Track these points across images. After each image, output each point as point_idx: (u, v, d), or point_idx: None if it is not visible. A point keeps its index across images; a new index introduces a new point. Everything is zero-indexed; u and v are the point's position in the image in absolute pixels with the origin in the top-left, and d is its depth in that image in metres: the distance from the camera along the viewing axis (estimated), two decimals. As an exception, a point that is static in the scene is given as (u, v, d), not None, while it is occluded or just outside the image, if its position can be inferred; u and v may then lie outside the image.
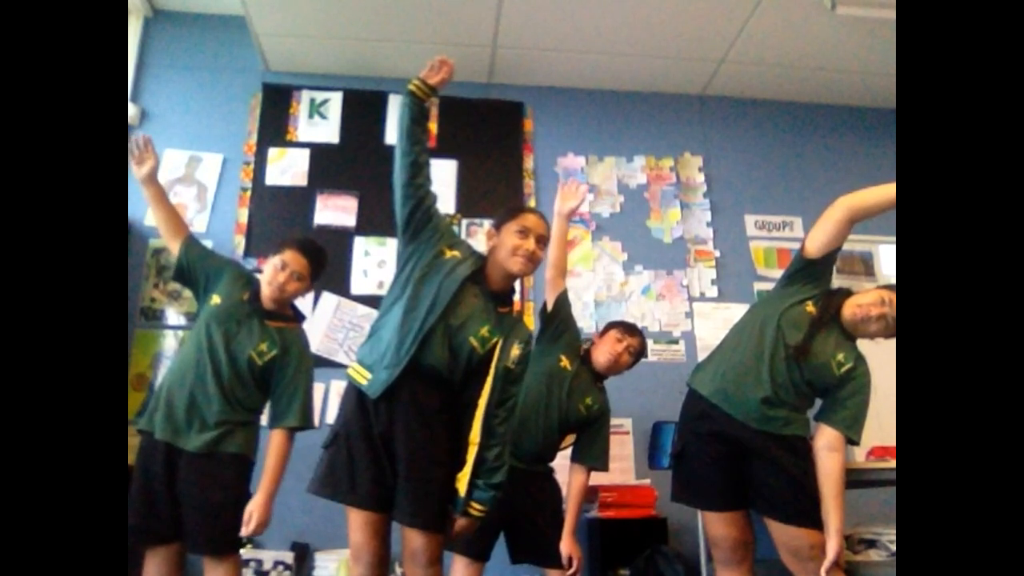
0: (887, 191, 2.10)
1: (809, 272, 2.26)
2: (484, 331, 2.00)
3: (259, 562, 3.15)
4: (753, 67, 4.13)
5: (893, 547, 3.00)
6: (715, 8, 3.65)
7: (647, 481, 3.53)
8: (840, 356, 2.19)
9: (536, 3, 3.63)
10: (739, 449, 2.16)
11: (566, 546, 2.54)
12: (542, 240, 2.08)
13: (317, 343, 3.53)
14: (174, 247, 2.45)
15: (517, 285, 3.84)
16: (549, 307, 2.67)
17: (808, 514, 2.08)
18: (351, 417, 1.97)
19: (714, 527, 2.20)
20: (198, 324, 2.36)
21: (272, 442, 2.31)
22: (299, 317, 2.49)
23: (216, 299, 2.36)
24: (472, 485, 1.97)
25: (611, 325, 2.80)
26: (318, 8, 3.66)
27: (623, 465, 3.59)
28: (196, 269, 2.43)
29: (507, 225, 2.07)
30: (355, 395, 2.00)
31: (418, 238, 2.08)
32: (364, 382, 1.97)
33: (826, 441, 2.15)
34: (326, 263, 2.48)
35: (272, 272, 2.34)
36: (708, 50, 3.99)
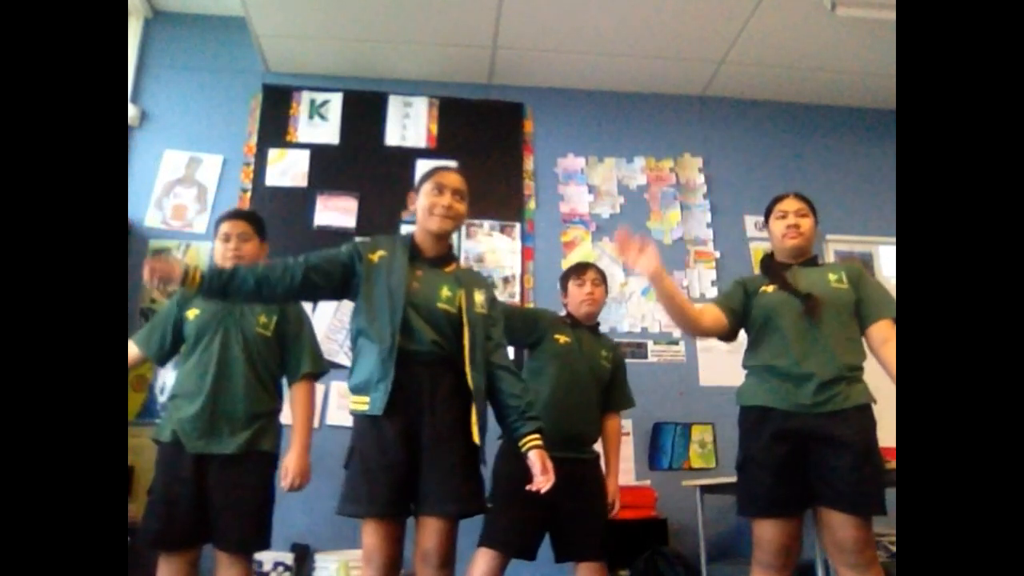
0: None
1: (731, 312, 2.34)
2: (444, 292, 2.05)
3: (259, 563, 3.15)
4: (753, 68, 4.14)
5: (893, 548, 3.00)
6: (715, 9, 3.65)
7: (647, 482, 3.53)
8: (831, 277, 2.25)
9: (536, 4, 3.63)
10: (801, 444, 2.10)
11: (613, 488, 2.68)
12: (458, 193, 2.13)
13: (317, 344, 3.53)
14: (136, 354, 2.44)
15: (517, 286, 3.88)
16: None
17: (870, 499, 2.03)
18: (363, 428, 1.97)
19: (762, 528, 2.13)
20: (189, 338, 2.36)
21: (295, 397, 2.39)
22: None
23: (195, 311, 2.37)
24: (515, 422, 2.03)
25: (563, 278, 2.86)
26: (318, 9, 3.66)
27: (623, 466, 3.56)
28: (161, 329, 2.42)
29: (423, 187, 2.14)
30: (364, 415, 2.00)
31: (350, 279, 2.09)
32: (366, 407, 1.97)
33: (875, 337, 2.18)
34: (264, 221, 2.55)
35: (221, 248, 2.41)
36: (708, 51, 4.00)
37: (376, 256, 2.09)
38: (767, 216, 2.42)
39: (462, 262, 3.76)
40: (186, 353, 2.37)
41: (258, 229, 2.48)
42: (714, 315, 2.30)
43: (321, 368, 2.46)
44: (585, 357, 2.67)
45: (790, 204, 2.36)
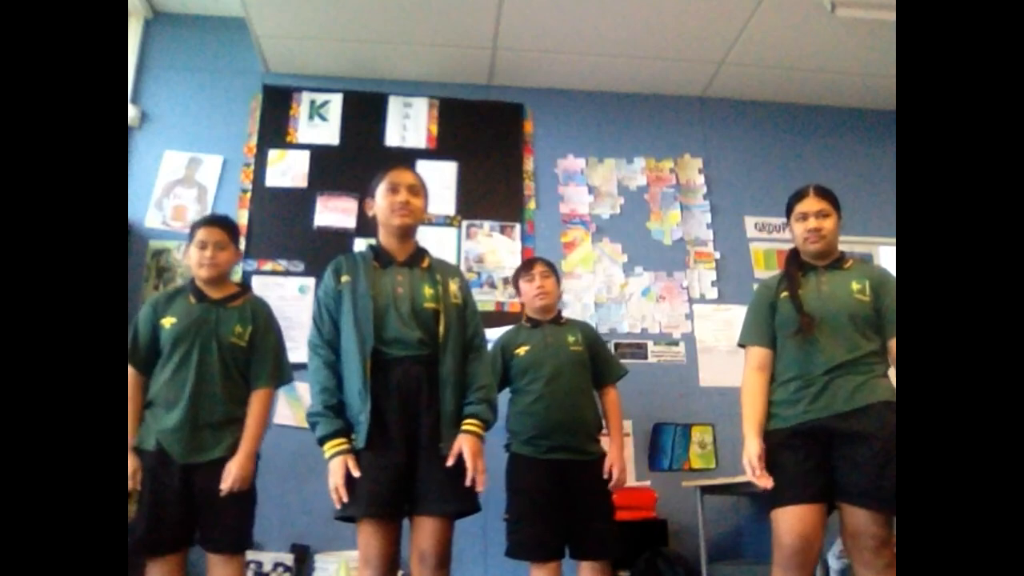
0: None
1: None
2: (427, 291, 2.08)
3: (259, 564, 3.14)
4: (753, 69, 4.13)
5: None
6: (715, 10, 3.65)
7: (647, 483, 3.53)
8: (854, 287, 2.18)
9: (536, 5, 3.63)
10: (824, 438, 2.06)
11: (614, 459, 2.61)
12: (413, 189, 2.15)
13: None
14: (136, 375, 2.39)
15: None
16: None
17: (888, 495, 1.94)
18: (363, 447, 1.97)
19: (781, 522, 2.04)
20: (165, 346, 2.36)
21: (251, 403, 2.37)
22: (246, 289, 2.59)
23: (171, 319, 2.36)
24: (464, 406, 2.01)
25: (514, 281, 2.92)
26: (318, 10, 3.66)
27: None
28: (144, 341, 2.39)
29: (378, 189, 2.16)
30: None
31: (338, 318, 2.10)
32: (354, 443, 1.96)
33: (894, 352, 2.10)
34: (238, 228, 2.56)
35: (197, 255, 2.39)
36: (708, 52, 4.00)
37: (343, 281, 2.10)
38: (788, 214, 2.34)
39: (462, 263, 3.78)
40: (162, 361, 2.36)
41: (234, 237, 2.48)
42: (767, 362, 2.25)
43: (281, 380, 2.48)
44: (552, 354, 2.67)
45: (810, 204, 2.27)
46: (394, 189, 2.13)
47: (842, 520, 2.06)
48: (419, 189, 2.18)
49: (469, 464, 1.91)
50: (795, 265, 2.30)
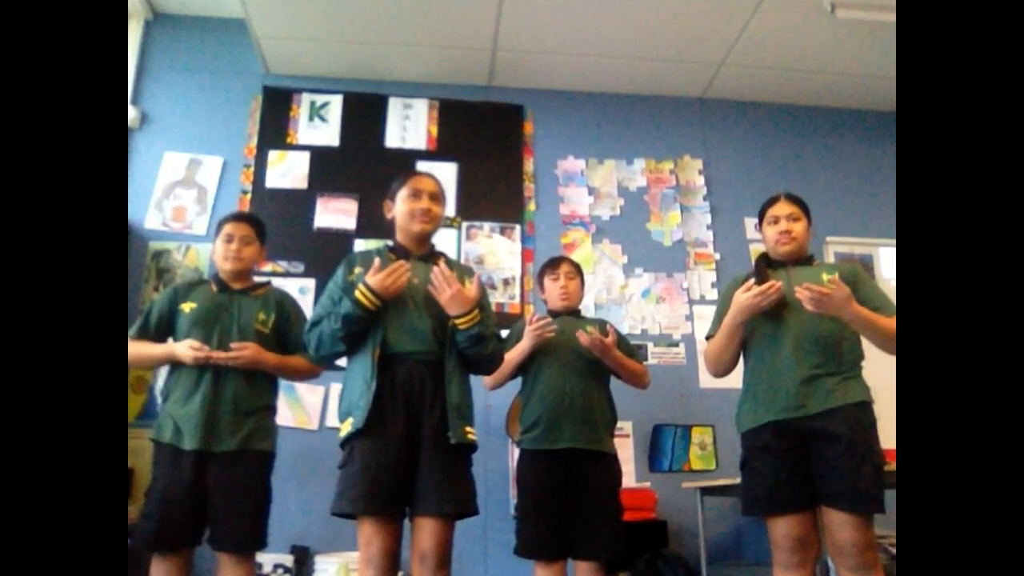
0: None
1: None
2: None
3: (259, 565, 3.14)
4: (753, 70, 4.14)
5: (893, 550, 3.00)
6: (715, 11, 3.65)
7: (647, 484, 3.53)
8: (824, 276, 2.19)
9: (536, 6, 3.63)
10: (800, 440, 2.09)
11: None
12: (435, 197, 2.19)
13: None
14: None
15: (517, 288, 3.88)
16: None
17: (867, 497, 1.99)
18: (361, 429, 1.97)
19: (775, 526, 2.10)
20: (182, 331, 2.37)
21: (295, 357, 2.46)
22: (267, 281, 2.62)
23: (191, 304, 2.39)
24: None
25: (539, 275, 2.91)
26: (318, 11, 3.66)
27: (623, 468, 3.58)
28: (155, 319, 2.42)
29: (399, 193, 2.19)
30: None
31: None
32: (350, 427, 1.97)
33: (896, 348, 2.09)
34: (265, 226, 2.59)
35: (223, 248, 2.43)
36: (708, 53, 4.00)
37: (354, 275, 2.11)
38: (760, 220, 2.42)
39: (462, 263, 3.78)
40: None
41: (260, 234, 2.52)
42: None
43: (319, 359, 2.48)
44: (569, 339, 2.65)
45: (781, 208, 2.35)
46: (416, 195, 2.15)
47: (823, 523, 2.07)
48: (439, 196, 2.21)
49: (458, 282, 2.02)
50: (764, 263, 2.37)
